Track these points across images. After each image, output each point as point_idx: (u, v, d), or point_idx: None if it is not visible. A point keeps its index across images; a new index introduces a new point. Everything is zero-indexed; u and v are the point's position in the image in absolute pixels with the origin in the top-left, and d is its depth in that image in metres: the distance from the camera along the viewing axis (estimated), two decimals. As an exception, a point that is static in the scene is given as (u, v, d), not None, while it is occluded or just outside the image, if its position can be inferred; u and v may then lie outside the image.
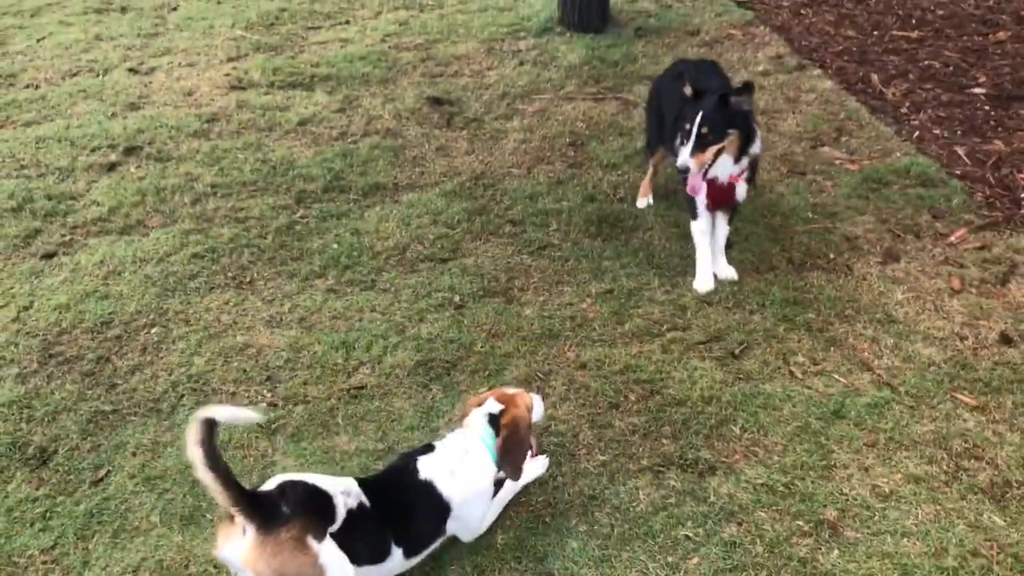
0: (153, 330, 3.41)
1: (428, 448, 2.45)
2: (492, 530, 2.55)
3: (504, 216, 4.05)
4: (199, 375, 3.16)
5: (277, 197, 4.24)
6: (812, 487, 2.64)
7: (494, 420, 2.50)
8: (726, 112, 3.22)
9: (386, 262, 3.75)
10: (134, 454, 2.86)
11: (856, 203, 4.02)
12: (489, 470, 2.45)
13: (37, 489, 2.74)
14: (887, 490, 2.62)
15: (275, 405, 3.03)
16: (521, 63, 5.61)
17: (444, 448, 2.45)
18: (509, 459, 2.45)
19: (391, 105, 5.11)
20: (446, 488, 2.36)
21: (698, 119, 3.20)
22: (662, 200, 4.12)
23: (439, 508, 2.35)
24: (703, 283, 3.53)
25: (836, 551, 2.45)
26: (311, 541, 2.04)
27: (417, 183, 4.34)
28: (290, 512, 2.04)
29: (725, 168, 3.34)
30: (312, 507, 2.11)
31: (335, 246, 3.85)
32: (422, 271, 3.69)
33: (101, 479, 2.77)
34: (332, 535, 2.11)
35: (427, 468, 2.38)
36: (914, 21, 6.02)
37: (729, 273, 3.56)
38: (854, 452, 2.75)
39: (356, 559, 2.14)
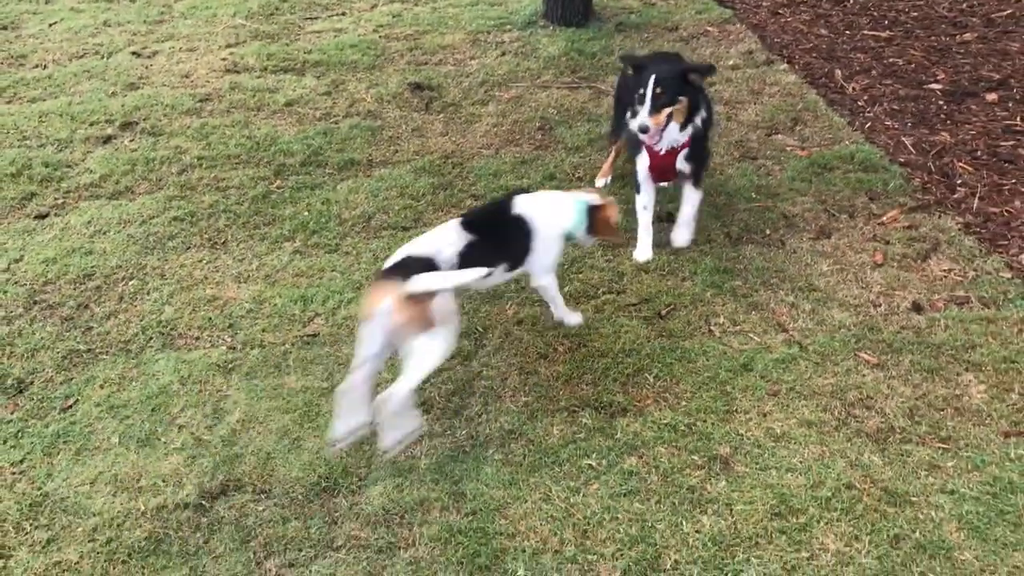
0: (130, 282, 3.70)
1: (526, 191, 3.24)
2: (415, 455, 2.82)
3: (468, 191, 4.32)
4: (168, 321, 3.45)
5: (258, 169, 4.53)
6: (711, 428, 2.88)
7: (591, 209, 3.19)
8: (677, 79, 3.51)
9: (351, 228, 4.03)
10: (102, 387, 3.15)
11: (799, 185, 4.25)
12: (567, 227, 3.16)
13: (12, 413, 3.04)
14: (779, 432, 2.86)
15: (234, 348, 3.31)
16: (503, 53, 5.89)
17: (543, 196, 3.24)
18: (600, 234, 3.26)
19: (375, 90, 5.40)
20: (534, 222, 3.07)
21: (652, 81, 3.46)
22: (618, 180, 4.37)
23: (526, 236, 3.07)
24: (642, 253, 3.78)
25: (724, 482, 2.69)
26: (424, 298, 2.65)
27: (390, 160, 4.62)
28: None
29: (671, 135, 3.59)
30: (423, 270, 2.71)
31: (306, 213, 4.14)
32: (384, 237, 3.96)
33: (70, 406, 3.06)
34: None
35: (522, 205, 3.10)
36: (886, 22, 6.24)
37: (683, 241, 3.82)
38: (756, 400, 2.99)
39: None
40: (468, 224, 2.98)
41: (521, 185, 4.28)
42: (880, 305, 3.44)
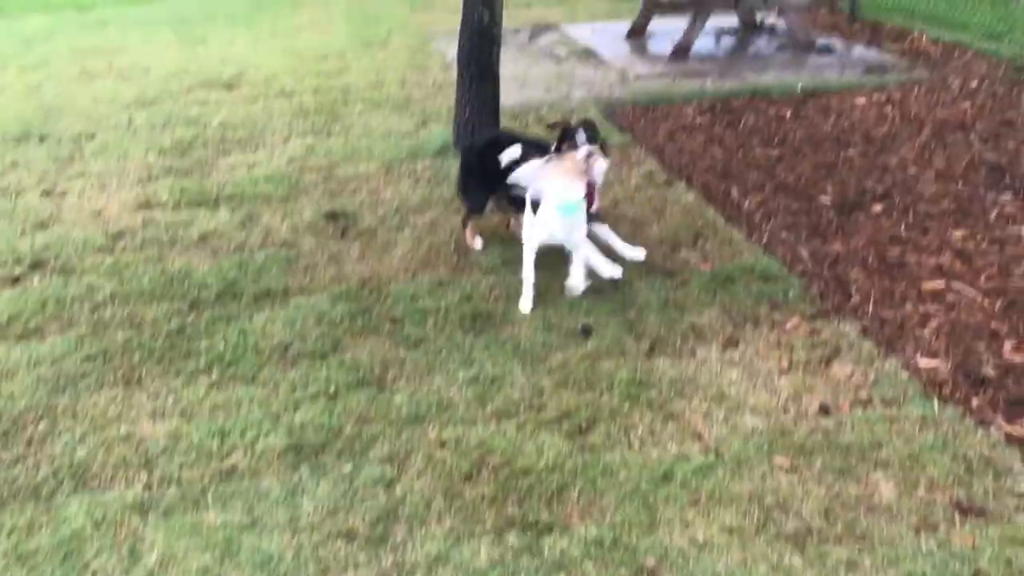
0: (40, 425, 3.61)
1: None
2: (341, 588, 2.78)
3: (386, 315, 4.37)
4: (80, 463, 3.36)
5: (172, 304, 4.52)
6: (637, 540, 2.92)
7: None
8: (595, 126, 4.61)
9: (268, 359, 4.02)
10: (9, 535, 3.02)
11: (705, 298, 4.44)
12: None
13: (-89, 569, 2.89)
14: (703, 540, 2.91)
15: (150, 487, 3.23)
16: (416, 181, 6.05)
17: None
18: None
19: (289, 220, 5.48)
20: None
21: (582, 123, 4.60)
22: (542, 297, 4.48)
23: None
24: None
25: (652, 594, 2.71)
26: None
27: (307, 288, 4.66)
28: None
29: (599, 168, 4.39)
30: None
31: (221, 346, 4.12)
32: (301, 366, 3.96)
33: (-25, 558, 2.93)
34: None
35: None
36: (776, 141, 6.65)
37: (615, 272, 4.45)
38: (678, 509, 3.05)
39: None
40: None
41: (440, 307, 4.36)
42: (789, 410, 3.57)
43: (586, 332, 4.14)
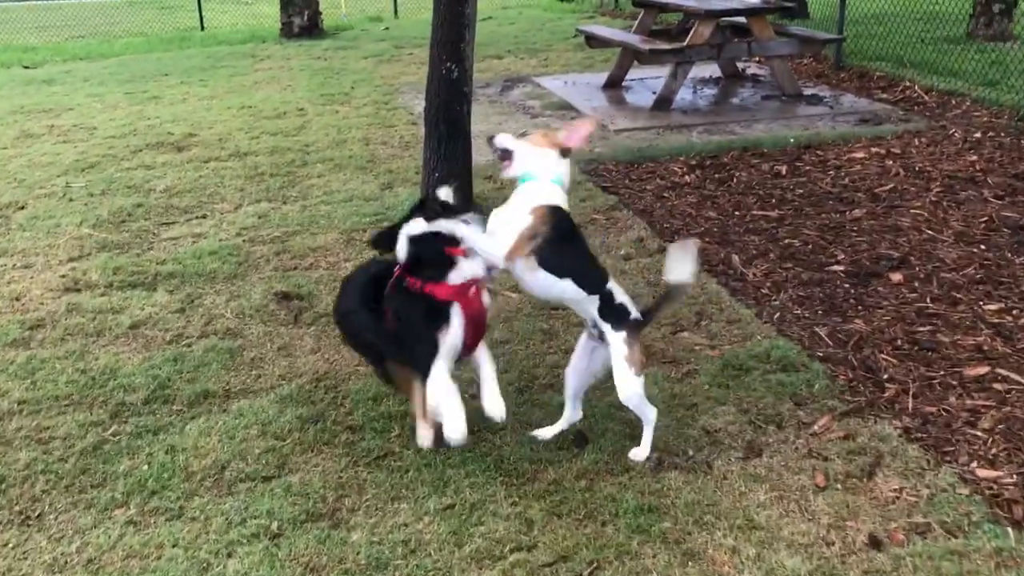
0: (-93, 585, 2.89)
1: None
2: None
3: (342, 422, 3.71)
4: None
5: (90, 412, 3.82)
6: None
7: None
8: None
9: (200, 484, 3.33)
10: None
11: (716, 392, 3.81)
12: None
13: None
14: None
15: (34, 677, 2.52)
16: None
17: None
18: None
19: (235, 303, 4.81)
20: None
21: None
22: (516, 396, 3.84)
23: None
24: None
25: None
26: None
27: (251, 388, 3.98)
28: None
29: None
30: None
31: (145, 468, 3.42)
32: (240, 493, 3.27)
33: None
34: None
35: None
36: (774, 200, 6.10)
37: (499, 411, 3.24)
38: None
39: None
40: None
41: (406, 411, 3.70)
42: (833, 542, 2.93)
43: (580, 441, 3.50)
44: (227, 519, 3.13)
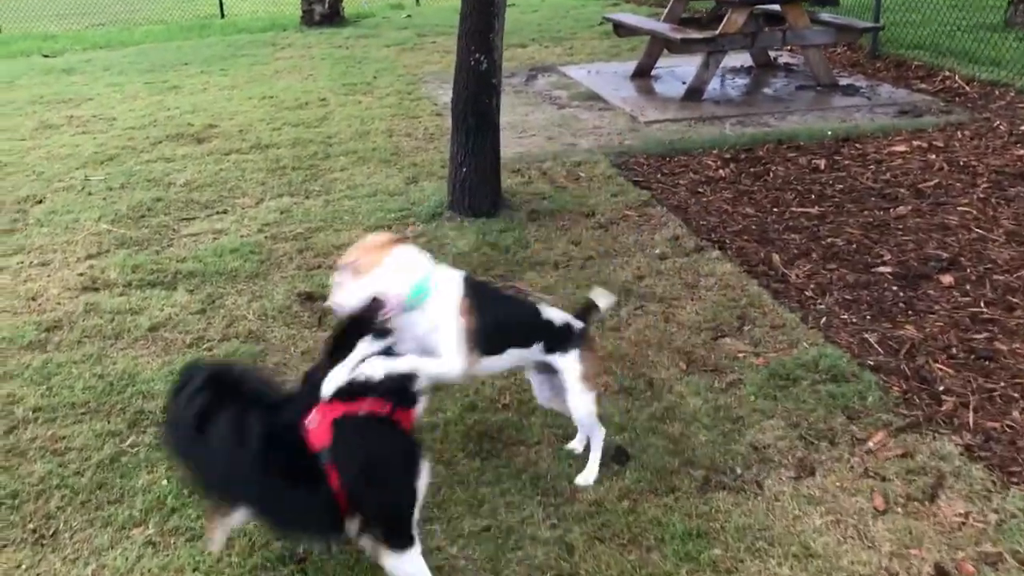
0: (-85, 610, 2.74)
1: None
2: None
3: (370, 434, 3.53)
4: None
5: (108, 421, 3.66)
6: None
7: None
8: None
9: (222, 502, 3.16)
10: None
11: (763, 404, 3.61)
12: None
13: None
14: None
15: None
16: (406, 252, 5.23)
17: None
18: None
19: (258, 303, 4.65)
20: None
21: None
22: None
23: None
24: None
25: None
26: None
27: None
28: None
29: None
30: None
31: (164, 483, 3.26)
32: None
33: None
34: None
35: None
36: (813, 196, 5.87)
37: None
38: None
39: None
40: None
41: (437, 423, 3.52)
42: (897, 573, 2.73)
43: (621, 457, 3.31)
44: (251, 540, 2.96)
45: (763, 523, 2.96)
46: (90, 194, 6.48)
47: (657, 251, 5.11)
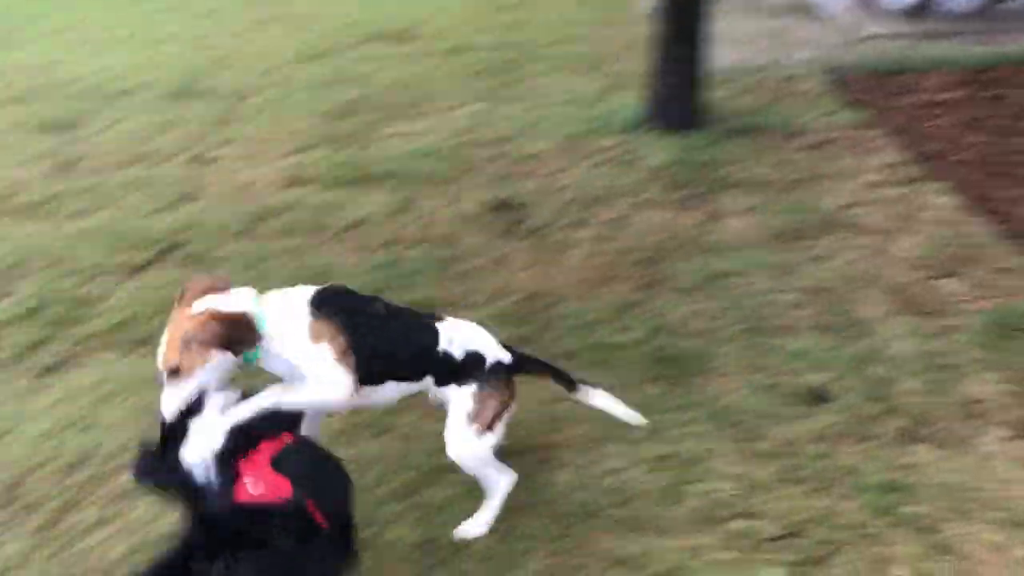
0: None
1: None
2: None
3: (554, 348, 3.50)
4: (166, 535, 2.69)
5: (306, 313, 3.80)
6: None
7: None
8: None
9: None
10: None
11: (981, 355, 3.31)
12: None
13: None
14: None
15: None
16: (598, 164, 5.12)
17: None
18: None
19: (451, 208, 4.67)
20: None
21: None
22: (743, 336, 3.50)
23: None
24: None
25: None
26: None
27: (461, 302, 3.84)
28: None
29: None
30: None
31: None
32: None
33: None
34: None
35: None
36: (1057, 126, 5.26)
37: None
38: None
39: None
40: None
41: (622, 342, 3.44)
42: None
43: (820, 397, 3.12)
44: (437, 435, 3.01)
45: (971, 484, 2.74)
46: (296, 90, 6.67)
47: (869, 178, 4.74)
